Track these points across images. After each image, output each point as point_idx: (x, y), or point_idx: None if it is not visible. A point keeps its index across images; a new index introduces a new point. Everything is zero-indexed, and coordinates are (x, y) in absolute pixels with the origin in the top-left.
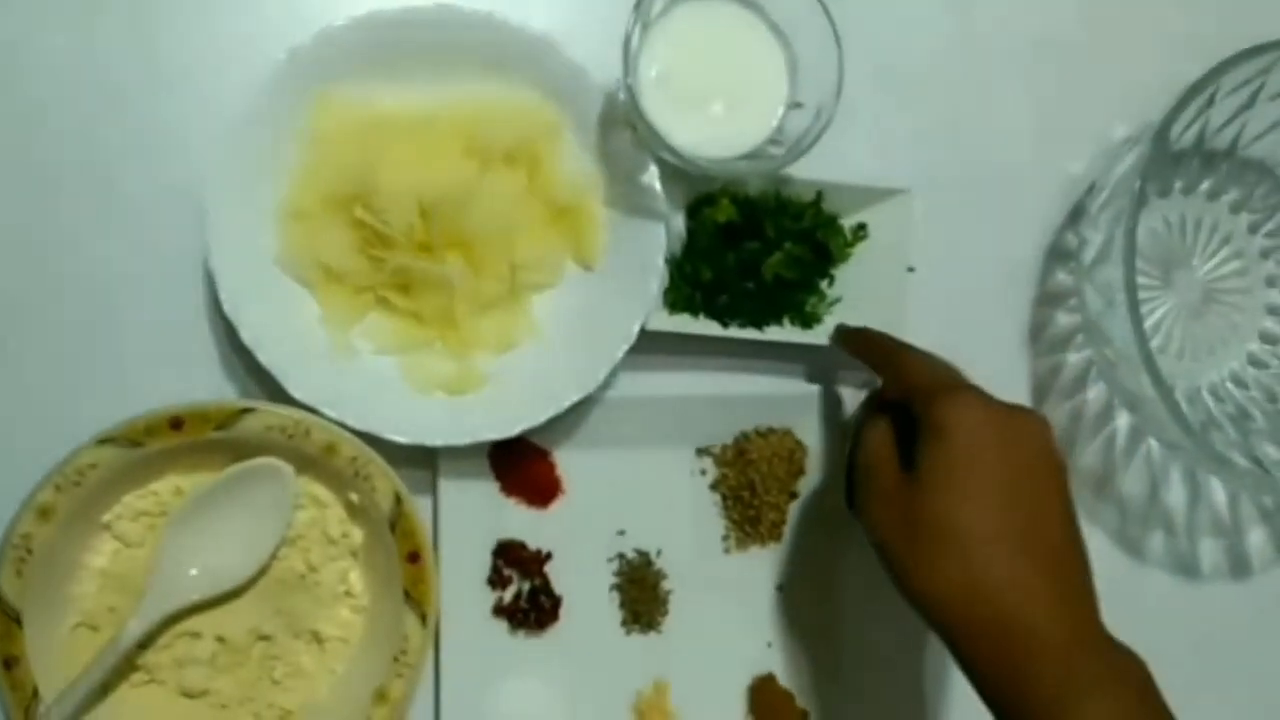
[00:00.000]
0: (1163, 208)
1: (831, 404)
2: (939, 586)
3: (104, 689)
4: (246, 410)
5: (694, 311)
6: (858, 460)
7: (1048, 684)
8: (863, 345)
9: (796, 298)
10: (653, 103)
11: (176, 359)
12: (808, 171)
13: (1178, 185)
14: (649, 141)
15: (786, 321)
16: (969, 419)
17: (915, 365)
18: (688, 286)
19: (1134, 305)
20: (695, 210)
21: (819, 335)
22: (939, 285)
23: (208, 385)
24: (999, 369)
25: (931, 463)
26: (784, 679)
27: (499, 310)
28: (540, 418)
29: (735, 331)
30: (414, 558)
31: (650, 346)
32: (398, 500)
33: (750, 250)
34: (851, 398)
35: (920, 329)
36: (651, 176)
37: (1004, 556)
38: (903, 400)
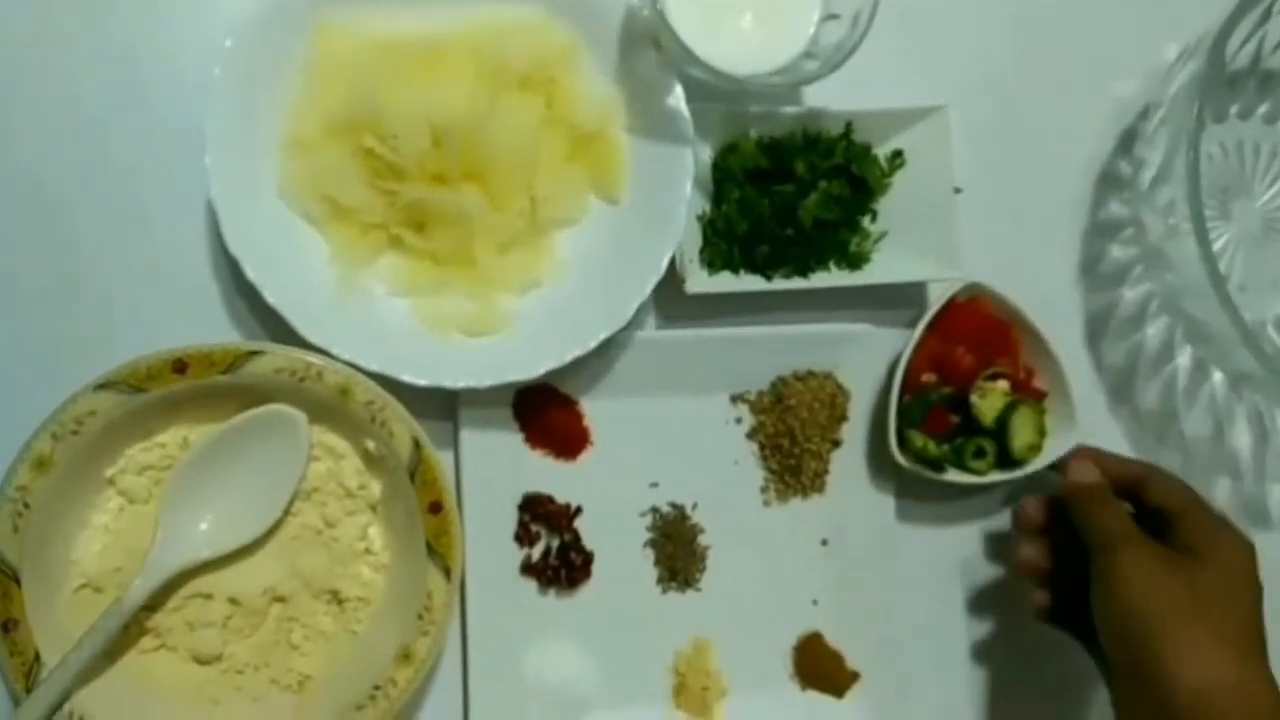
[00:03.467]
0: (1219, 133)
1: (876, 344)
2: (1210, 679)
3: (111, 654)
4: (254, 352)
5: (734, 268)
6: (1100, 533)
7: None
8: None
9: (839, 238)
10: (680, 15)
11: (180, 304)
12: (838, 95)
13: (1233, 109)
14: (677, 57)
15: (832, 265)
16: (1128, 591)
17: (1094, 504)
18: (723, 242)
19: (1200, 222)
20: (720, 162)
21: (869, 275)
22: (982, 220)
23: (213, 332)
24: (1051, 305)
25: (1100, 611)
26: (832, 638)
27: (520, 248)
28: (566, 357)
29: (781, 284)
30: (436, 508)
31: (687, 308)
32: (417, 446)
33: (784, 194)
34: (896, 337)
35: (968, 266)
36: (677, 98)
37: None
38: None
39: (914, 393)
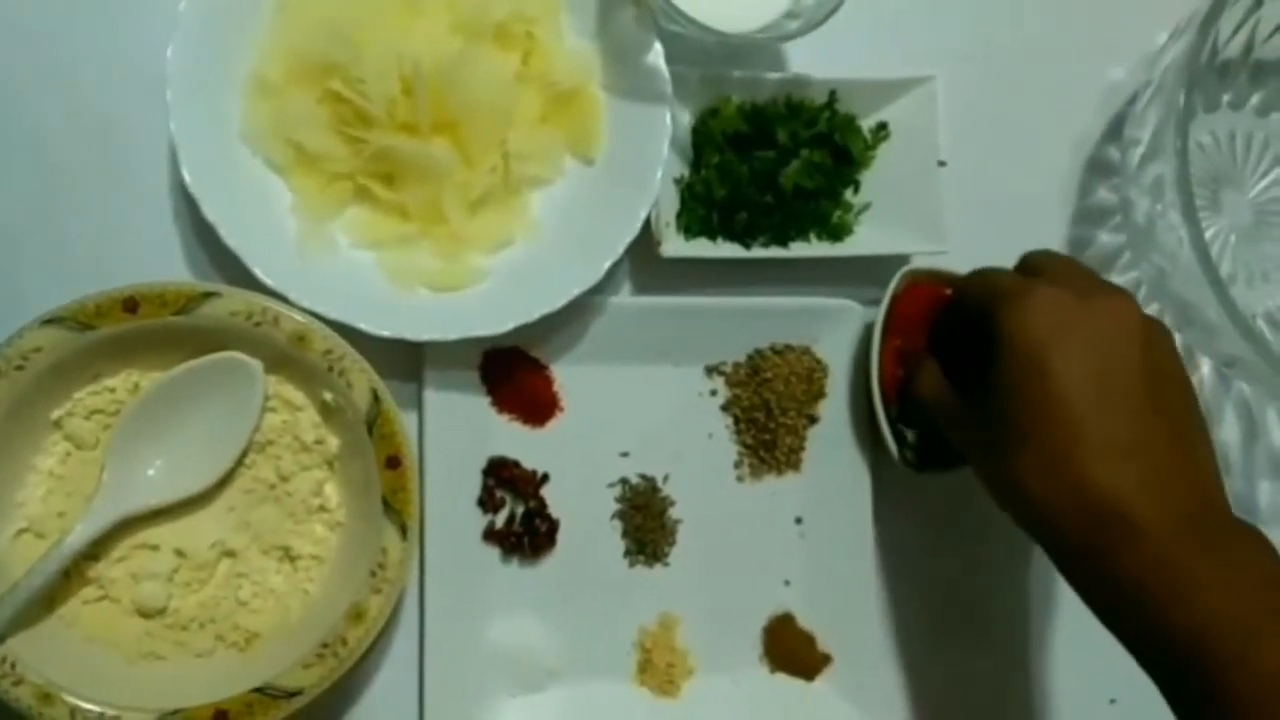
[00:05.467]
0: (1209, 122)
1: (855, 319)
2: (1027, 491)
3: (50, 603)
4: (209, 294)
5: (711, 234)
6: (923, 400)
7: (1151, 581)
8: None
9: (820, 209)
10: None
11: (135, 244)
12: (823, 64)
13: (1225, 99)
14: (659, 10)
15: (813, 236)
16: (1034, 321)
17: (988, 276)
18: (701, 207)
19: (1188, 196)
20: (700, 126)
21: (850, 247)
22: (965, 196)
23: (167, 274)
24: None
25: (998, 374)
26: (804, 620)
27: (492, 207)
28: (535, 314)
29: (760, 252)
30: (394, 463)
31: (663, 277)
32: (376, 398)
33: (765, 160)
34: (875, 311)
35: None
36: (656, 56)
37: (1088, 452)
38: (978, 315)
39: (900, 402)
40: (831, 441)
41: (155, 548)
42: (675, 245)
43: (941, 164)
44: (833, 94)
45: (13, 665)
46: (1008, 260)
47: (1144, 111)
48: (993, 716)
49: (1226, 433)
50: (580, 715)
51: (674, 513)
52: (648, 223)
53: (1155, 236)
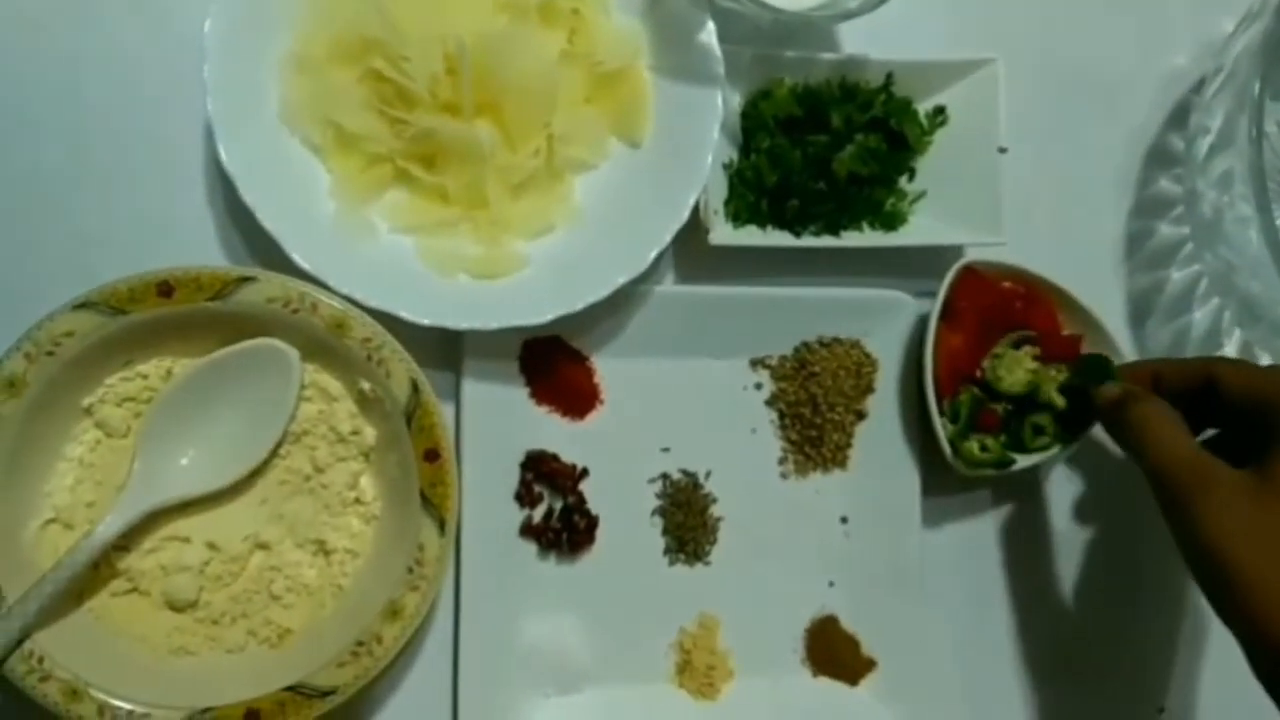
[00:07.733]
0: (1277, 112)
1: (908, 312)
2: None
3: (79, 595)
4: (246, 278)
5: (760, 222)
6: (1157, 464)
7: None
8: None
9: (874, 196)
10: None
11: (171, 225)
12: (879, 44)
13: None
14: None
15: (865, 225)
16: None
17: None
18: (750, 193)
19: (1261, 187)
20: (750, 109)
21: (905, 237)
22: (1020, 186)
23: (204, 257)
24: (1092, 284)
25: None
26: (847, 622)
27: (535, 191)
28: (578, 304)
29: (811, 241)
30: (432, 456)
31: (709, 266)
32: (415, 389)
33: (817, 145)
34: (929, 307)
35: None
36: (709, 34)
37: None
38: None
39: (950, 394)
40: (880, 439)
41: (186, 539)
42: (723, 233)
43: (1002, 150)
44: (889, 76)
45: (40, 660)
46: (1062, 250)
47: (1212, 100)
48: None
49: None
50: (617, 717)
51: (716, 510)
52: (695, 209)
53: (1222, 229)
